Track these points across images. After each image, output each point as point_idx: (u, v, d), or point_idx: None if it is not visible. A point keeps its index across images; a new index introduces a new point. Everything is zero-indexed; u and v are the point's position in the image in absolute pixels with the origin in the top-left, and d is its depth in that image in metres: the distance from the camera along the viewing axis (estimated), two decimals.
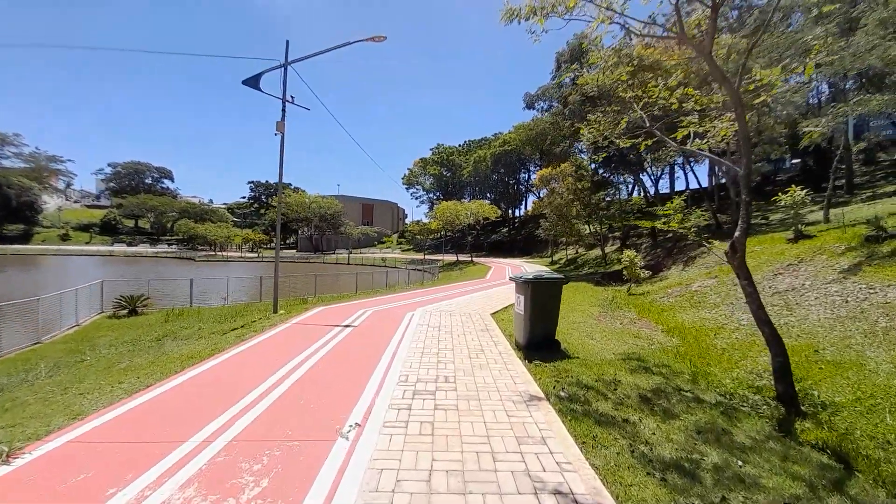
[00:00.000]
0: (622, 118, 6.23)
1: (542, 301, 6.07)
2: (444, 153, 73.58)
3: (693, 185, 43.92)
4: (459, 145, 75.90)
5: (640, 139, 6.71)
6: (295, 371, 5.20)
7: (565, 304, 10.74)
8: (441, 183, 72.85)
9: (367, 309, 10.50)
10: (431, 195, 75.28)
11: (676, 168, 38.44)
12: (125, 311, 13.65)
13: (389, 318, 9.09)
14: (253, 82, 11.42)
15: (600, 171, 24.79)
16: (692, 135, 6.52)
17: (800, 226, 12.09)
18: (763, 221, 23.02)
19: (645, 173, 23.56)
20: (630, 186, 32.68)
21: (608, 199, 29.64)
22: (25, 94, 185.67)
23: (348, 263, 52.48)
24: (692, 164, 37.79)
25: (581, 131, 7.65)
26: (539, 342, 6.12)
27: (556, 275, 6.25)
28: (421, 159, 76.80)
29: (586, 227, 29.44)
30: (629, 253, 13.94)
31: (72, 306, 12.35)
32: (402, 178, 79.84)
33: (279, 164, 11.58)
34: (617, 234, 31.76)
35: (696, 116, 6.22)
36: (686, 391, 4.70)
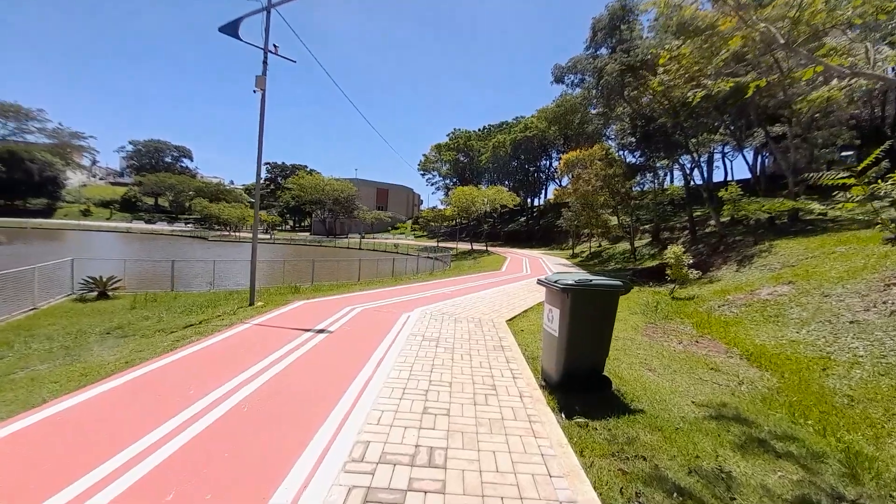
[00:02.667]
0: (732, 36, 3.94)
1: (588, 319, 4.02)
2: (460, 138, 70.80)
3: (729, 176, 40.42)
4: (478, 130, 72.97)
5: (747, 77, 4.48)
6: (205, 415, 3.33)
7: None
8: (458, 169, 70.30)
9: (356, 306, 8.63)
10: (448, 181, 72.88)
11: (715, 158, 35.09)
12: (94, 294, 12.18)
13: (378, 321, 7.18)
14: (231, 29, 9.46)
15: (635, 154, 22.08)
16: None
17: None
18: (821, 217, 20.11)
19: (688, 158, 20.79)
20: (663, 174, 29.73)
21: (641, 186, 26.91)
22: (50, 72, 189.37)
23: (360, 248, 51.01)
24: (733, 154, 34.38)
25: (655, 74, 5.42)
26: (580, 379, 4.10)
27: (608, 279, 4.18)
28: (437, 144, 74.26)
29: (614, 217, 26.86)
30: (675, 248, 11.63)
31: (43, 285, 11.01)
32: (418, 164, 77.63)
33: (259, 128, 9.69)
34: (647, 226, 29.05)
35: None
36: None
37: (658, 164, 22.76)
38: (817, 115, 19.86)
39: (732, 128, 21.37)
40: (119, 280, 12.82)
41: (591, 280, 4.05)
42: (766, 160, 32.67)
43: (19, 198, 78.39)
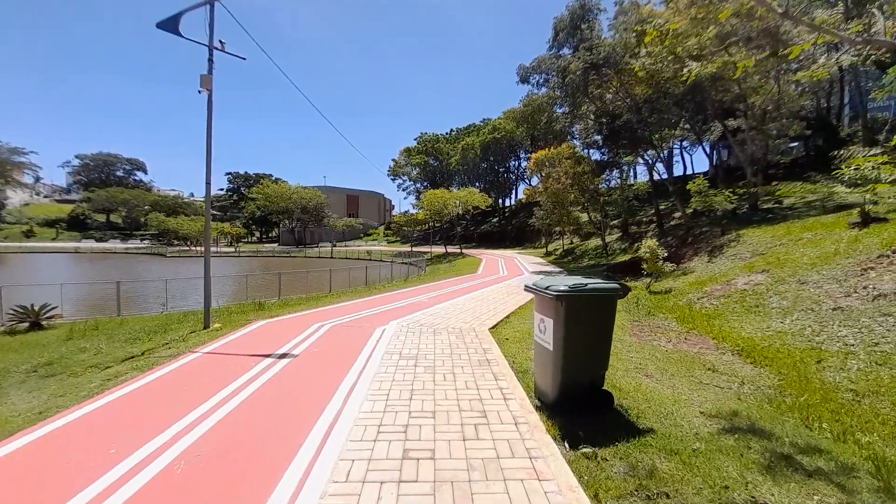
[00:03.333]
0: (724, 9, 3.58)
1: (585, 328, 3.57)
2: (429, 141, 70.42)
3: (688, 170, 42.04)
4: (446, 133, 72.88)
5: (736, 55, 4.19)
6: (126, 482, 2.61)
7: None
8: (428, 173, 69.80)
9: (325, 322, 7.89)
10: (418, 185, 72.23)
11: (675, 152, 36.30)
12: (25, 326, 10.77)
13: (350, 338, 6.50)
14: (171, 25, 8.57)
15: (602, 151, 22.29)
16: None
17: (866, 206, 9.80)
18: (777, 206, 20.97)
19: (652, 153, 21.18)
20: (627, 170, 30.35)
21: (607, 183, 27.31)
22: None
23: (331, 257, 49.52)
24: (691, 148, 35.66)
25: (618, 72, 5.08)
26: (579, 396, 3.63)
27: (604, 282, 3.75)
28: (406, 149, 73.52)
29: (584, 214, 27.11)
30: (649, 242, 11.58)
31: None
32: (388, 170, 76.58)
33: (206, 131, 8.79)
34: (615, 221, 29.55)
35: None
36: None
37: (623, 161, 23.12)
38: (769, 108, 20.74)
39: (692, 123, 22.01)
40: (54, 308, 11.42)
41: (586, 284, 3.60)
42: (723, 153, 34.13)
43: None
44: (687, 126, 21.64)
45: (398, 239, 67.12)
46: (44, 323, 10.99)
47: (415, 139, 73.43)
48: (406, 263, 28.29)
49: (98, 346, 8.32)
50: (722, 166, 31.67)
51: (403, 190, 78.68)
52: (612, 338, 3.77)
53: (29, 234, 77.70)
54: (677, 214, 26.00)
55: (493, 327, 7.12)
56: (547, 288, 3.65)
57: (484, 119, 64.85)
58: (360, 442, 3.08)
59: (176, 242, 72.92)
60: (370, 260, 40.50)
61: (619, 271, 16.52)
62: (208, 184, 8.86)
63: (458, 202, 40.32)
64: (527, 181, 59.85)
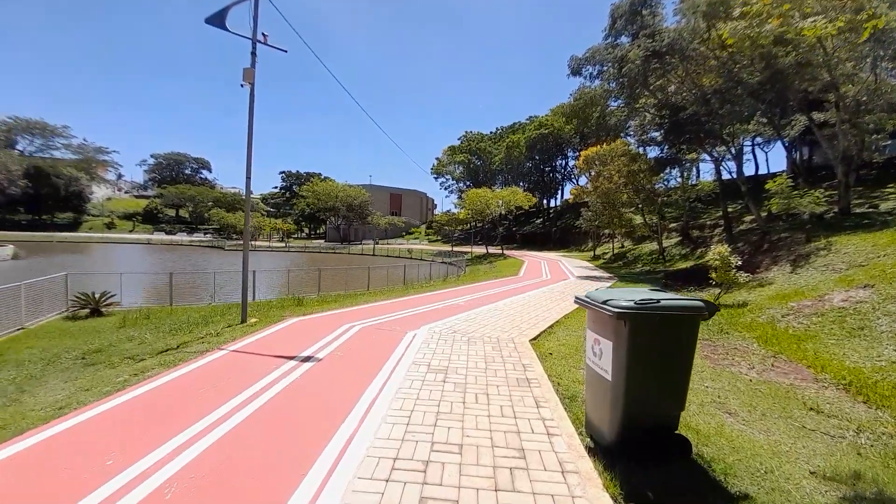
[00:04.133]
0: None
1: (656, 356, 2.82)
2: (472, 140, 69.76)
3: (759, 170, 38.14)
4: (490, 133, 71.86)
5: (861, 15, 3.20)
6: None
7: None
8: (471, 172, 69.18)
9: (356, 322, 7.54)
10: (461, 184, 71.80)
11: (745, 150, 32.85)
12: (86, 312, 11.49)
13: (378, 343, 6.07)
14: (218, 19, 8.61)
15: (661, 148, 20.37)
16: None
17: None
18: (873, 210, 18.15)
19: (722, 150, 18.95)
20: (689, 168, 27.77)
21: (667, 183, 25.17)
22: (74, 89, 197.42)
23: (373, 254, 50.41)
24: (765, 145, 32.13)
25: (684, 59, 4.18)
26: (644, 440, 2.87)
27: (683, 298, 2.96)
28: (449, 147, 73.39)
29: (639, 216, 25.19)
30: (720, 248, 10.16)
31: (32, 303, 10.44)
32: (431, 168, 76.88)
33: (248, 124, 8.77)
34: (674, 225, 27.26)
35: None
36: None
37: (687, 158, 21.00)
38: (863, 98, 17.98)
39: (770, 115, 19.60)
40: (112, 295, 12.10)
41: (658, 300, 2.82)
42: (802, 151, 30.39)
43: (46, 212, 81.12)
44: (763, 120, 19.26)
45: (439, 238, 67.13)
46: (103, 310, 11.65)
47: (458, 138, 73.17)
48: (446, 263, 27.89)
49: (144, 336, 8.55)
50: (803, 165, 28.23)
51: (446, 189, 78.68)
52: (691, 370, 2.97)
53: (110, 226, 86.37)
54: (748, 218, 23.41)
55: (534, 339, 6.38)
56: (605, 302, 2.92)
57: (530, 117, 63.08)
58: (370, 481, 2.54)
59: (235, 237, 77.90)
60: (410, 258, 40.62)
61: (679, 280, 14.96)
62: (248, 178, 8.86)
63: (500, 202, 39.32)
64: (574, 181, 57.50)
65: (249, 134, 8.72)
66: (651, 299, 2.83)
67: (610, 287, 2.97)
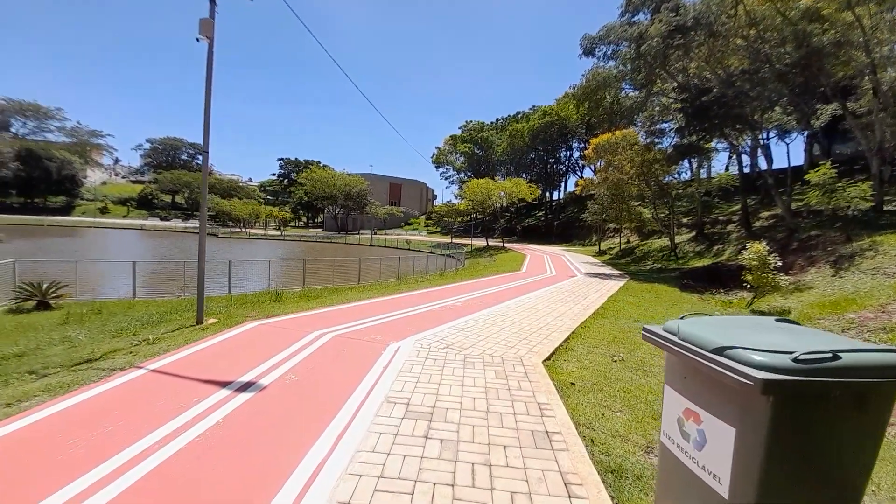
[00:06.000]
0: None
1: (822, 459, 1.43)
2: (474, 129, 67.87)
3: (774, 164, 36.55)
4: (492, 122, 69.97)
5: None
6: None
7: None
8: (472, 162, 67.44)
9: (330, 330, 6.18)
10: (462, 175, 70.10)
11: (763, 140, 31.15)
12: (32, 304, 10.13)
13: (349, 362, 4.71)
14: None
15: (680, 136, 18.67)
16: None
17: None
18: None
19: (746, 137, 17.41)
20: (702, 159, 26.11)
21: (678, 176, 23.68)
22: (68, 71, 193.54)
23: (370, 245, 49.00)
24: (783, 136, 30.50)
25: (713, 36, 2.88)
26: None
27: (873, 348, 1.57)
28: (451, 136, 71.53)
29: (648, 209, 23.73)
30: (758, 246, 8.77)
31: None
32: (432, 157, 75.07)
33: (205, 90, 7.30)
34: (686, 220, 25.84)
35: None
36: None
37: (707, 147, 19.38)
38: None
39: (797, 103, 18.02)
40: (64, 286, 10.72)
41: (832, 353, 1.44)
42: (823, 144, 28.80)
43: (39, 196, 79.44)
44: (789, 108, 17.72)
45: (439, 229, 65.68)
46: (51, 302, 10.30)
47: (460, 127, 71.33)
48: (444, 255, 26.52)
49: (80, 337, 7.19)
50: (823, 158, 26.67)
51: (446, 179, 76.99)
52: (872, 469, 1.60)
53: (104, 211, 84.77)
54: (765, 214, 21.98)
55: (548, 359, 5.02)
56: (725, 352, 1.53)
57: (533, 106, 61.15)
58: None
59: (231, 224, 76.38)
60: (408, 249, 39.21)
61: (698, 279, 13.59)
62: (206, 152, 7.41)
63: (502, 193, 37.82)
64: (578, 173, 55.89)
65: (207, 97, 7.26)
66: (820, 352, 1.44)
67: (694, 315, 1.67)
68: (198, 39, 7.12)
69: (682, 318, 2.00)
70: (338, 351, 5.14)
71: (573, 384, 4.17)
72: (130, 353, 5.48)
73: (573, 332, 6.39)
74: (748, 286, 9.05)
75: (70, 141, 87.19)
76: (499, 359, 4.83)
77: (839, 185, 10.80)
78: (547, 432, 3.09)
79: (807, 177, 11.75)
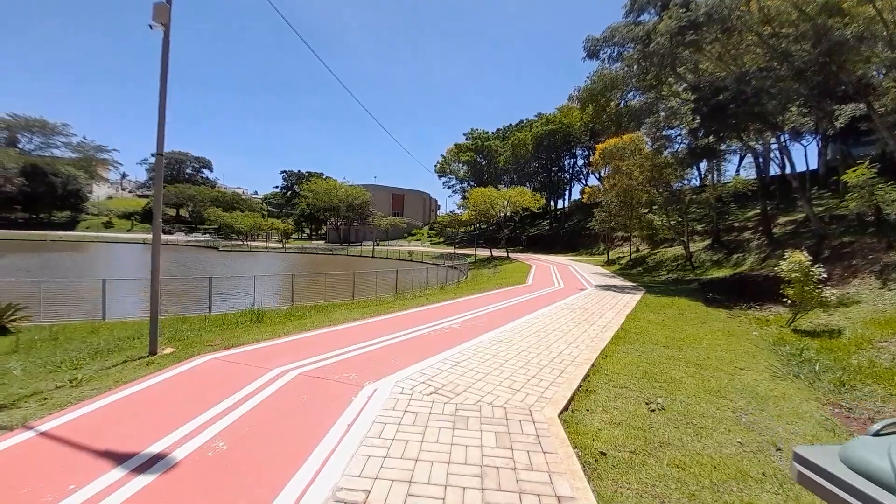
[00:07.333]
0: None
1: None
2: (478, 139, 67.32)
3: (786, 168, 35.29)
4: (495, 131, 69.45)
5: None
6: None
7: (692, 363, 4.79)
8: (476, 171, 66.72)
9: (296, 365, 5.10)
10: (465, 184, 69.34)
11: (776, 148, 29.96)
12: None
13: (305, 417, 3.62)
14: None
15: (698, 134, 17.50)
16: None
17: None
18: None
19: (765, 137, 16.33)
20: (717, 163, 24.95)
21: (688, 181, 22.53)
22: (76, 89, 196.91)
23: (372, 256, 48.08)
24: (792, 140, 29.31)
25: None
26: None
27: None
28: (455, 145, 70.99)
29: (657, 216, 22.55)
30: (798, 255, 7.63)
31: None
32: (435, 166, 74.48)
33: (160, 86, 6.38)
34: (699, 227, 24.61)
35: None
36: None
37: (727, 148, 18.28)
38: None
39: (815, 102, 16.94)
40: (21, 308, 9.76)
41: None
42: (838, 147, 27.57)
43: (44, 211, 79.69)
44: (805, 108, 16.63)
45: (442, 240, 64.70)
46: (9, 326, 9.33)
47: (464, 134, 70.85)
48: (447, 267, 25.44)
49: (16, 372, 6.15)
50: (837, 162, 25.44)
51: (450, 188, 76.30)
52: None
53: (108, 225, 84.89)
54: (783, 220, 20.74)
55: (565, 408, 3.89)
56: None
57: (538, 114, 60.49)
58: None
59: (234, 237, 75.93)
60: (410, 261, 38.16)
61: (719, 291, 12.36)
62: (160, 155, 6.47)
63: (506, 202, 36.83)
64: (583, 181, 54.86)
65: (162, 92, 6.33)
66: None
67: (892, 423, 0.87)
68: (150, 26, 6.22)
69: (877, 432, 0.94)
70: (295, 398, 4.05)
71: (604, 454, 3.04)
72: (44, 398, 4.44)
73: (593, 366, 5.24)
74: (788, 301, 7.87)
75: (76, 156, 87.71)
76: (500, 411, 3.71)
77: (881, 185, 9.61)
78: None
79: (843, 178, 10.62)
